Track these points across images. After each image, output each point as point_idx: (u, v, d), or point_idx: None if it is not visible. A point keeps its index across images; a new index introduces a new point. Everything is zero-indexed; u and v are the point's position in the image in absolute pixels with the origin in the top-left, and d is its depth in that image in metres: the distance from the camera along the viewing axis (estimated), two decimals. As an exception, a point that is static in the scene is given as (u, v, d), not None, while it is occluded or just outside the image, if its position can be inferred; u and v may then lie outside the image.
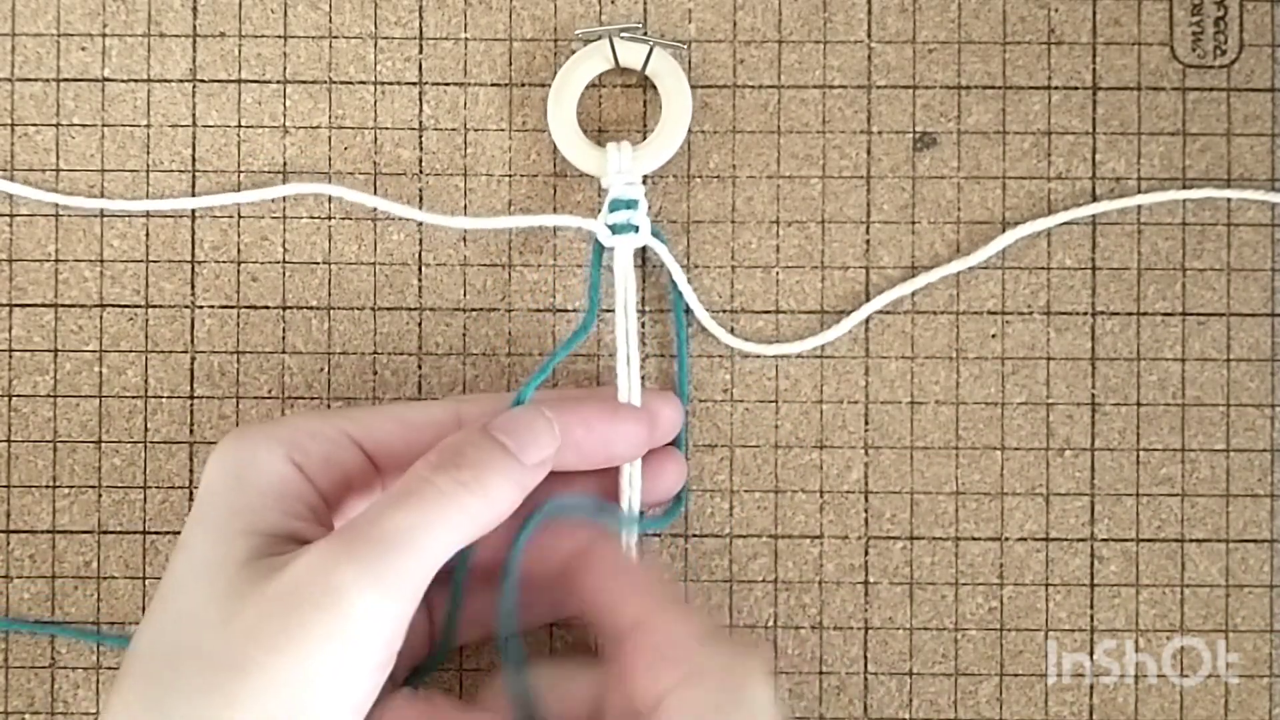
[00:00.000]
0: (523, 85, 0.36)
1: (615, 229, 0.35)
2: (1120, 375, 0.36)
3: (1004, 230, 0.36)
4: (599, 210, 0.35)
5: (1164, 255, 0.36)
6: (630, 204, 0.34)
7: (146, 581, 0.36)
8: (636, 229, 0.35)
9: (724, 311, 0.36)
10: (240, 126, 0.36)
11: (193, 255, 0.36)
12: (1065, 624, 0.36)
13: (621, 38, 0.35)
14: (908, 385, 0.36)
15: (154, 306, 0.36)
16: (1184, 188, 0.36)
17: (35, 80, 0.36)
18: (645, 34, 0.36)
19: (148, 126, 0.36)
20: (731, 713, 0.28)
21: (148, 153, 0.36)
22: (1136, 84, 0.36)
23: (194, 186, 0.36)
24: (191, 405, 0.36)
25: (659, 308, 0.36)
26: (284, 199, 0.36)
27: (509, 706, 0.30)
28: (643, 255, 0.36)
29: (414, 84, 0.36)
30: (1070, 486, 0.36)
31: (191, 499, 0.36)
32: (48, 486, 0.36)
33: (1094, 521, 0.36)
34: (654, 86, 0.35)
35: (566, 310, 0.36)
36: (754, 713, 0.28)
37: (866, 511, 0.36)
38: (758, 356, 0.36)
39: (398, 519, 0.27)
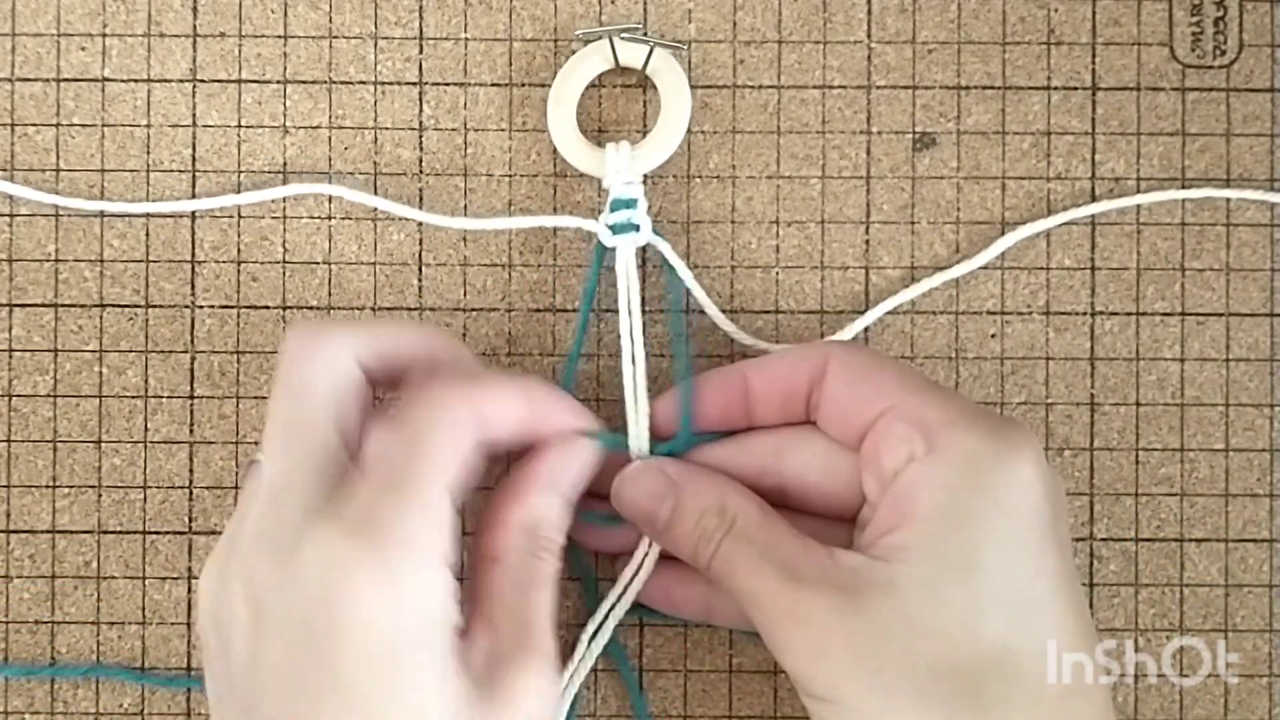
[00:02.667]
0: (523, 85, 0.36)
1: (615, 229, 0.35)
2: (1119, 375, 0.36)
3: (1004, 230, 0.36)
4: (599, 209, 0.35)
5: (1163, 255, 0.36)
6: (630, 203, 0.34)
7: (146, 582, 0.36)
8: (637, 228, 0.35)
9: (724, 312, 0.36)
10: (240, 126, 0.36)
11: (193, 255, 0.36)
12: (1065, 624, 0.36)
13: (622, 38, 0.35)
14: (907, 385, 0.36)
15: (154, 306, 0.36)
16: (1183, 188, 0.36)
17: (35, 80, 0.36)
18: (645, 34, 0.36)
19: (148, 126, 0.36)
20: (968, 494, 0.29)
21: (148, 153, 0.36)
22: (1136, 84, 0.36)
23: (194, 186, 0.36)
24: (191, 405, 0.36)
25: (659, 308, 0.36)
26: (284, 199, 0.36)
27: None
28: (643, 255, 0.36)
29: (414, 84, 0.36)
30: (1069, 486, 0.36)
31: (192, 499, 0.36)
32: (48, 486, 0.36)
33: (1093, 521, 0.36)
34: (654, 86, 0.36)
35: (566, 310, 0.36)
36: (1000, 492, 0.29)
37: (866, 511, 0.36)
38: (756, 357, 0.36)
39: (544, 607, 0.31)
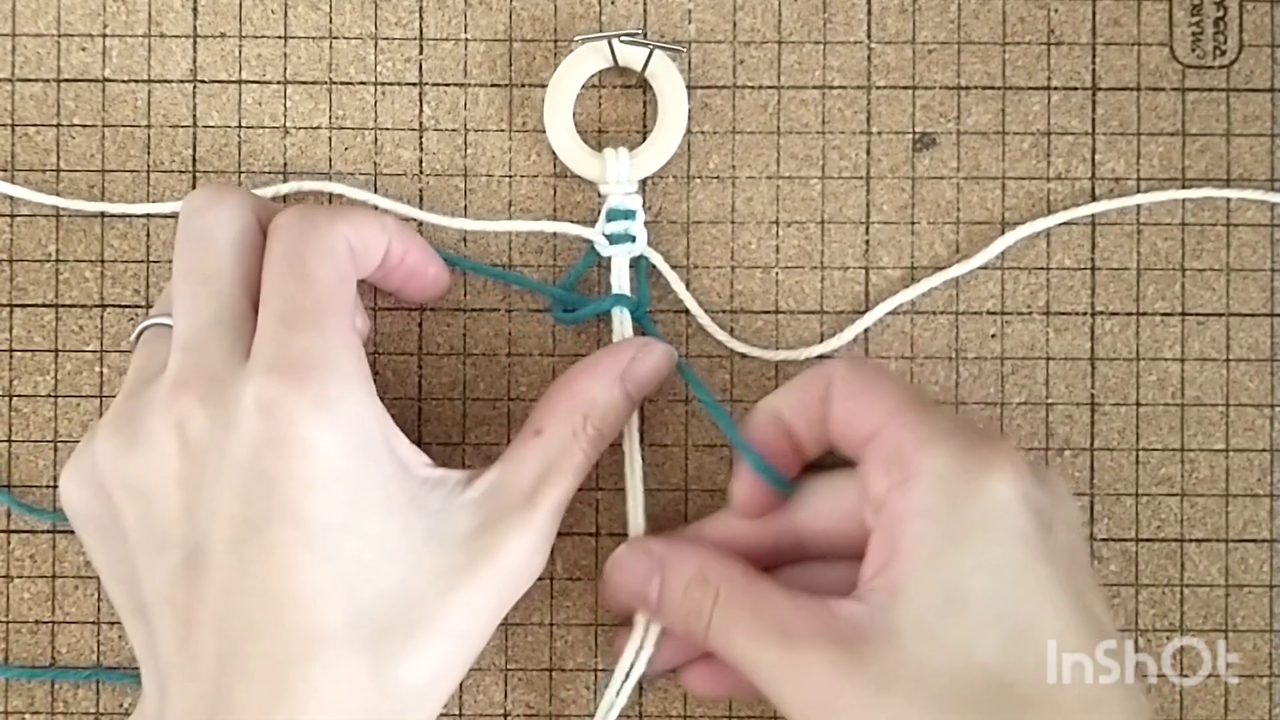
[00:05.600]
0: (522, 86, 0.36)
1: (612, 239, 0.35)
2: (1119, 375, 0.36)
3: (1003, 231, 0.36)
4: (599, 210, 0.35)
5: (1163, 255, 0.36)
6: (628, 214, 0.35)
7: (146, 581, 0.36)
8: (633, 239, 0.35)
9: (724, 312, 0.36)
10: (241, 127, 0.36)
11: (193, 255, 0.36)
12: (1065, 624, 0.36)
13: (621, 42, 0.35)
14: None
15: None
16: (1183, 188, 0.36)
17: (35, 80, 0.36)
18: (645, 38, 0.36)
19: (148, 126, 0.36)
20: (945, 521, 0.28)
21: (148, 153, 0.36)
22: (1136, 84, 0.36)
23: (194, 187, 0.36)
24: (192, 405, 0.36)
25: (658, 308, 0.36)
26: (284, 201, 0.36)
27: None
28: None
29: (414, 84, 0.36)
30: (1070, 486, 0.36)
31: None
32: (48, 486, 0.36)
33: (1094, 521, 0.36)
34: (654, 87, 0.36)
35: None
36: (974, 515, 0.28)
37: (866, 511, 0.36)
38: (758, 358, 0.36)
39: (562, 493, 0.31)
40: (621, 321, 0.35)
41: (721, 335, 0.35)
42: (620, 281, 0.35)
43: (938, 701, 0.28)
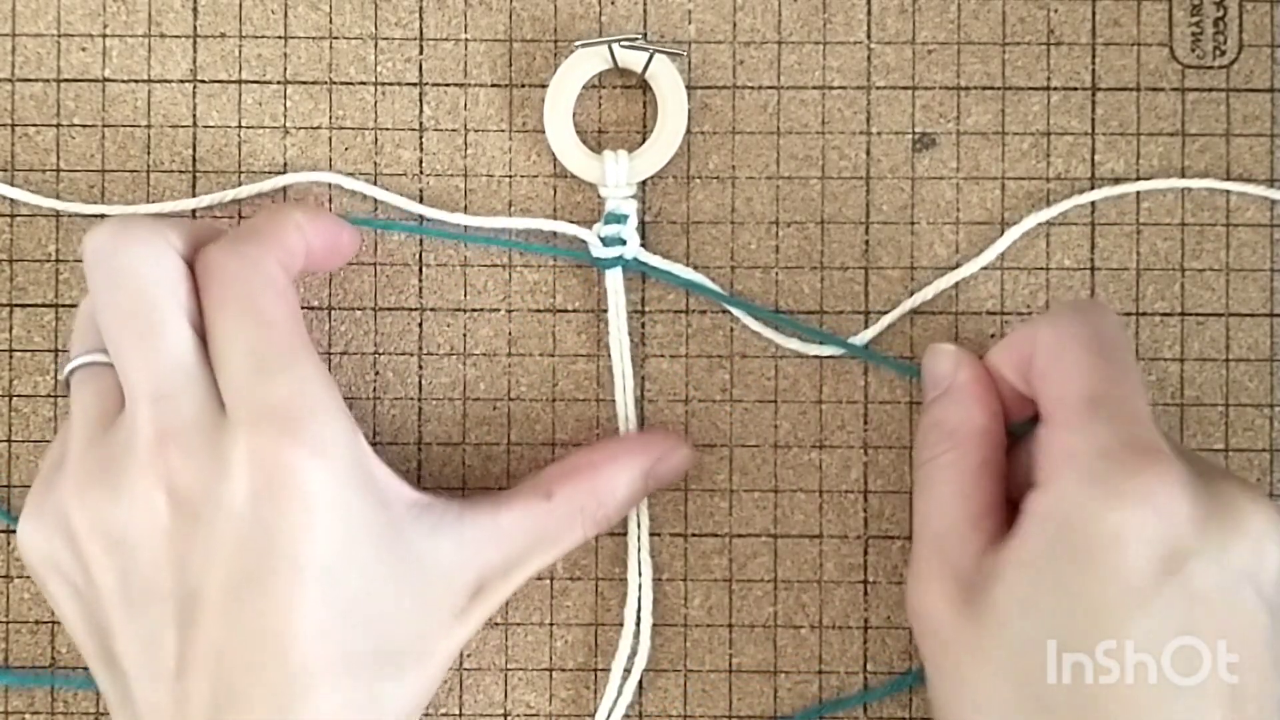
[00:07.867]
0: (522, 86, 0.36)
1: (606, 241, 0.35)
2: (1119, 375, 0.36)
3: (1003, 231, 0.36)
4: (599, 211, 0.35)
5: (1163, 256, 0.36)
6: (622, 218, 0.35)
7: (147, 581, 0.36)
8: (624, 242, 0.35)
9: (722, 312, 0.36)
10: (241, 127, 0.36)
11: (193, 255, 0.36)
12: (1064, 624, 0.36)
13: (621, 46, 0.35)
14: (907, 385, 0.36)
15: (154, 307, 0.36)
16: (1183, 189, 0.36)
17: (35, 80, 0.36)
18: (645, 39, 0.36)
19: (148, 127, 0.36)
20: (1056, 530, 0.29)
21: (148, 153, 0.36)
22: (1136, 84, 0.36)
23: (194, 187, 0.36)
24: (192, 405, 0.36)
25: (659, 308, 0.36)
26: (283, 194, 0.36)
27: None
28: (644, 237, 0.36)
29: (414, 84, 0.36)
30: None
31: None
32: (48, 487, 0.36)
33: (1093, 521, 0.36)
34: (654, 88, 0.36)
35: (566, 310, 0.36)
36: (1080, 539, 0.28)
37: (866, 511, 0.36)
38: (758, 358, 0.36)
39: (548, 563, 0.33)
40: (616, 290, 0.35)
41: (738, 310, 0.36)
42: (614, 284, 0.35)
43: (985, 684, 0.29)
